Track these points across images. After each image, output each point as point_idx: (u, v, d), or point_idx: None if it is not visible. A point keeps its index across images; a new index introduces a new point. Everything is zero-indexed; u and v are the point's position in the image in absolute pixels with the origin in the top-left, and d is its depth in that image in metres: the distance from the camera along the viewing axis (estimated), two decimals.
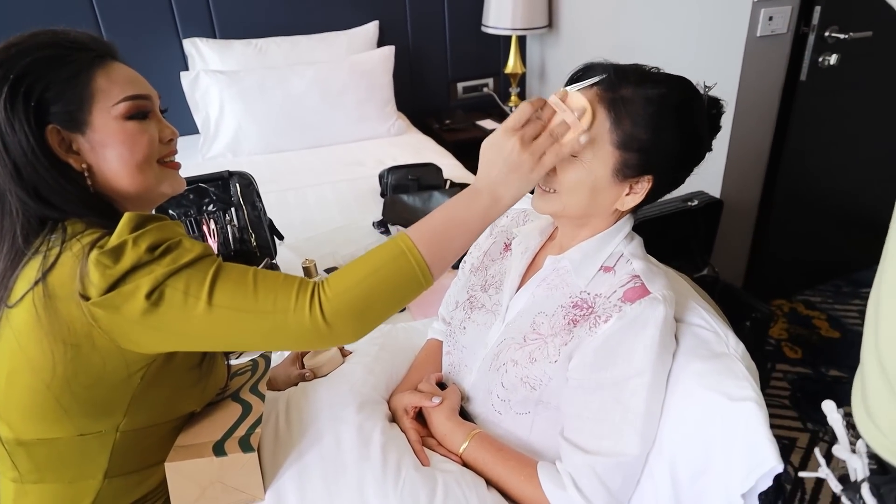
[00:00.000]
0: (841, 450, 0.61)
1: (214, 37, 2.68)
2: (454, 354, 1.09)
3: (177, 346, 0.78)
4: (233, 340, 0.76)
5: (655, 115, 0.85)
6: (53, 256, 0.74)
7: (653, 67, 0.91)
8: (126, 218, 0.75)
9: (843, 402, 0.64)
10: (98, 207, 0.81)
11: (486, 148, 0.83)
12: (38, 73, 0.75)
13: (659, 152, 0.87)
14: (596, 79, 0.87)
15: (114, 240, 0.73)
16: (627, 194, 0.90)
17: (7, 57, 0.75)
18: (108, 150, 0.80)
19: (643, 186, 0.89)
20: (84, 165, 0.80)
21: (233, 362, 1.11)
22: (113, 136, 0.79)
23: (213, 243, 1.60)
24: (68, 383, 0.75)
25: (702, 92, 0.92)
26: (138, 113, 0.81)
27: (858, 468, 0.60)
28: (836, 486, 0.61)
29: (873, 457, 0.59)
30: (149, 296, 0.71)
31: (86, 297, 0.71)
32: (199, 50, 2.62)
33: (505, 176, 0.81)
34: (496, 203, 0.82)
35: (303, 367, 1.16)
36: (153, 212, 0.88)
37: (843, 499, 0.61)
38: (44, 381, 0.74)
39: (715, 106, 0.93)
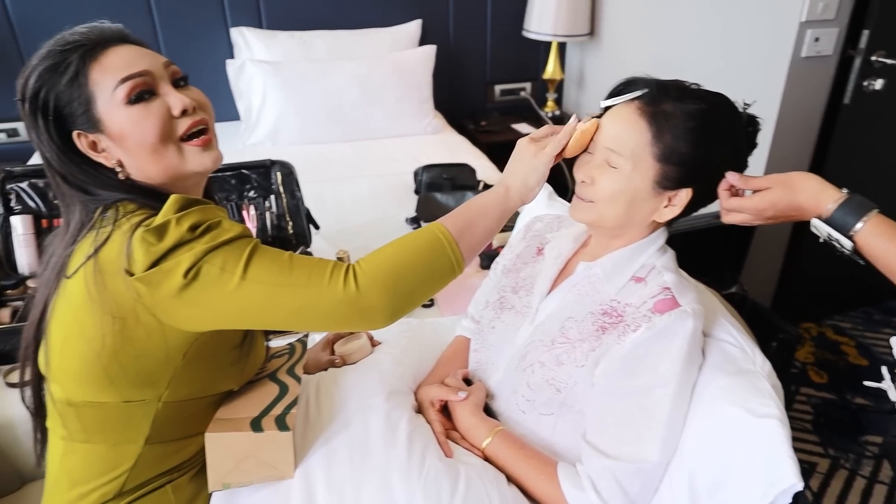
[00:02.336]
0: None
1: (261, 27, 2.75)
2: (481, 352, 1.11)
3: (213, 323, 0.79)
4: (267, 316, 0.77)
5: (696, 130, 0.87)
6: (105, 234, 0.78)
7: (693, 83, 0.92)
8: (172, 199, 0.78)
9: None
10: (143, 193, 0.83)
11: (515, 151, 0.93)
12: (46, 86, 0.78)
13: (699, 166, 0.88)
14: (637, 93, 0.89)
15: (158, 219, 0.76)
16: (666, 206, 0.92)
17: (24, 77, 0.79)
18: (125, 140, 0.80)
19: (682, 199, 0.91)
20: (114, 161, 0.82)
21: (271, 344, 1.15)
22: (122, 125, 0.79)
23: (252, 228, 1.65)
24: (116, 354, 0.79)
25: (741, 109, 0.93)
26: (140, 94, 0.80)
27: None
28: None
29: None
30: (187, 272, 0.73)
31: (130, 273, 0.74)
32: (245, 39, 2.68)
33: (513, 166, 0.92)
34: (507, 191, 0.90)
35: (333, 353, 1.19)
36: (200, 196, 0.92)
37: None
38: (94, 350, 0.79)
39: (752, 123, 0.95)
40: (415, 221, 1.91)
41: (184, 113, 0.82)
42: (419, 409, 1.05)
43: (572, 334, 0.96)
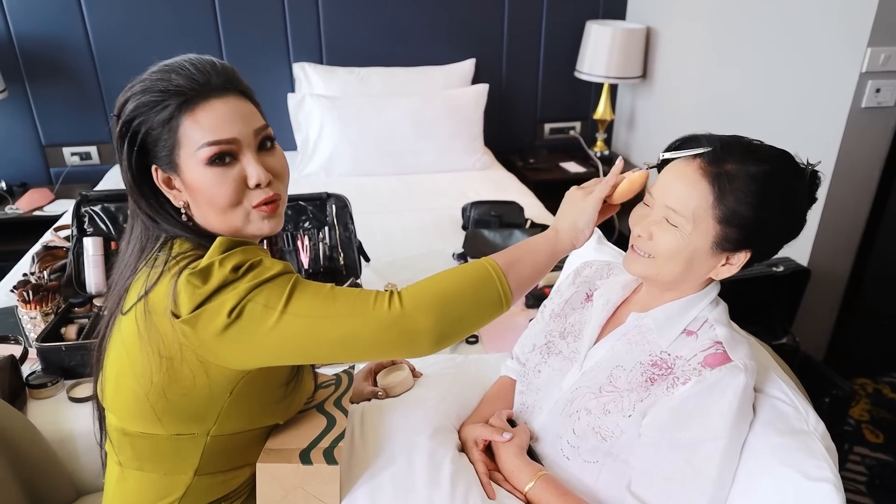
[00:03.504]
0: None
1: (321, 63, 2.86)
2: (527, 395, 1.11)
3: (259, 359, 0.80)
4: (311, 348, 0.78)
5: (759, 193, 0.86)
6: (157, 274, 0.81)
7: (756, 140, 0.92)
8: (217, 242, 0.80)
9: None
10: (202, 235, 0.85)
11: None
12: (140, 118, 0.80)
13: (760, 229, 0.88)
14: (700, 150, 0.89)
15: (203, 262, 0.78)
16: (723, 265, 0.92)
17: (123, 100, 0.82)
18: (197, 194, 0.82)
19: (740, 259, 0.91)
20: (182, 202, 0.85)
21: (319, 371, 1.17)
22: (198, 181, 0.81)
23: (304, 258, 1.70)
24: (163, 392, 0.81)
25: (803, 167, 0.92)
26: (220, 157, 0.80)
27: None
28: None
29: None
30: (231, 311, 0.75)
31: (176, 315, 0.76)
32: (306, 74, 2.80)
33: (563, 210, 0.96)
34: (557, 234, 0.93)
35: (375, 383, 1.21)
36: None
37: None
38: (143, 387, 0.82)
39: (814, 179, 0.94)
40: (462, 257, 1.93)
41: (257, 185, 0.82)
42: (462, 448, 1.06)
43: (620, 383, 0.96)
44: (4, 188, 2.67)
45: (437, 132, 2.75)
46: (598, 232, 1.45)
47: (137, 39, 2.60)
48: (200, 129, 0.79)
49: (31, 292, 1.48)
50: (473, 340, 1.56)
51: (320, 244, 1.70)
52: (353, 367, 1.21)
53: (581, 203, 0.93)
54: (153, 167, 0.84)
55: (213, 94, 0.81)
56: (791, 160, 0.91)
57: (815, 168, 0.92)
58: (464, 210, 2.22)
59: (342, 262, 1.70)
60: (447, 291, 0.81)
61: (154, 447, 0.87)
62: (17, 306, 1.55)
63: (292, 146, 2.80)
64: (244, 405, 0.87)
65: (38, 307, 1.48)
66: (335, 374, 1.13)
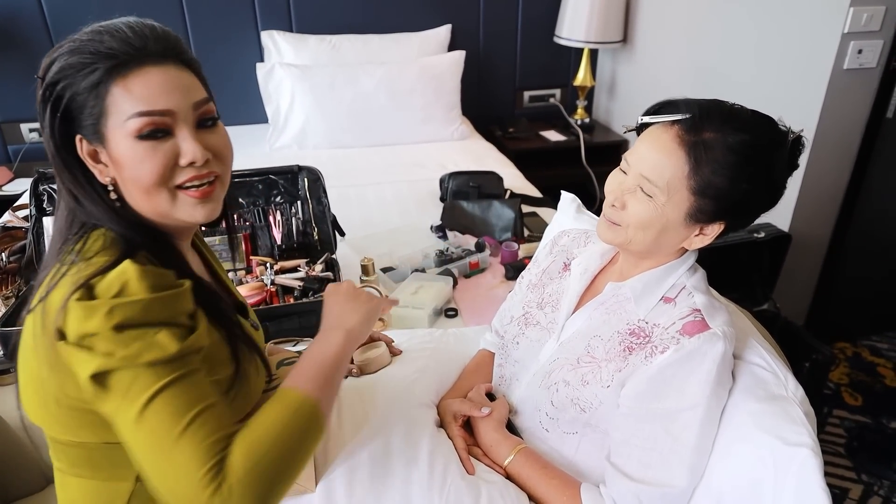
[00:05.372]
0: None
1: (291, 31, 2.77)
2: (505, 367, 1.09)
3: (103, 431, 0.72)
4: (137, 457, 0.68)
5: (736, 165, 0.83)
6: (60, 274, 0.71)
7: (736, 105, 0.89)
8: (123, 268, 0.68)
9: None
10: (127, 221, 0.76)
11: (328, 296, 0.90)
12: (64, 81, 0.71)
13: (736, 201, 0.85)
14: (678, 116, 0.86)
15: (101, 290, 0.67)
16: (696, 235, 0.90)
17: (49, 61, 0.73)
18: (122, 170, 0.74)
19: (714, 230, 0.89)
20: (108, 178, 0.75)
21: (289, 347, 1.14)
22: (124, 155, 0.72)
23: (277, 234, 1.65)
24: (58, 403, 0.73)
25: (785, 132, 0.88)
26: (153, 131, 0.72)
27: None
28: None
29: None
30: (95, 375, 0.66)
31: (62, 335, 0.67)
32: (275, 42, 2.70)
33: (342, 308, 0.87)
34: (347, 335, 0.82)
35: (351, 361, 1.18)
36: (189, 239, 0.86)
37: None
38: (47, 395, 0.74)
39: (797, 145, 0.90)
40: (440, 230, 1.89)
41: (190, 164, 0.74)
42: (440, 423, 1.04)
43: (598, 353, 0.94)
44: None
45: (413, 102, 2.68)
46: (576, 200, 1.42)
47: (94, 8, 2.45)
48: (131, 98, 0.71)
49: None
50: (452, 314, 1.53)
51: (293, 219, 1.65)
52: None
53: (368, 304, 0.87)
54: (77, 137, 0.74)
55: (150, 60, 0.72)
56: (773, 127, 0.87)
57: (800, 134, 0.89)
58: (441, 181, 2.17)
59: (316, 238, 1.66)
60: (280, 479, 0.68)
61: (86, 454, 0.78)
62: None
63: (263, 118, 2.72)
64: None
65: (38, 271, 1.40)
66: (298, 352, 1.10)
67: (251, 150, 2.53)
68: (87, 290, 0.67)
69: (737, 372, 0.93)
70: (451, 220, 1.92)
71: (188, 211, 0.76)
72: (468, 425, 1.04)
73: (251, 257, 1.62)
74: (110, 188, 0.76)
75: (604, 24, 2.79)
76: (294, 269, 1.57)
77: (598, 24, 2.79)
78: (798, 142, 0.89)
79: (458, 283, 1.64)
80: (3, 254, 1.53)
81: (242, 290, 1.46)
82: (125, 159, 0.72)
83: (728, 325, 0.89)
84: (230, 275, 1.52)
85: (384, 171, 2.44)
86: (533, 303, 1.10)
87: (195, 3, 2.62)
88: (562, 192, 1.47)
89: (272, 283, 1.51)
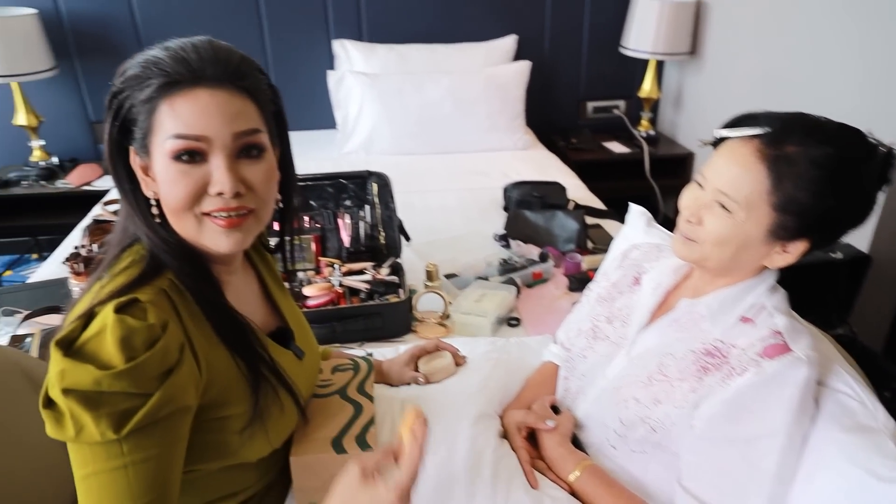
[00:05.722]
0: None
1: (362, 40, 2.83)
2: (571, 381, 1.08)
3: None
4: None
5: (821, 180, 0.80)
6: (89, 287, 0.73)
7: (822, 118, 0.85)
8: (110, 325, 0.65)
9: None
10: (162, 239, 0.75)
11: (341, 478, 0.71)
12: (127, 92, 0.73)
13: (821, 218, 0.82)
14: (758, 131, 0.83)
15: (79, 341, 0.65)
16: (778, 253, 0.86)
17: (122, 69, 0.74)
18: (158, 187, 0.74)
19: (798, 248, 0.85)
20: (151, 193, 0.76)
21: (352, 351, 1.14)
22: (160, 173, 0.73)
23: (345, 236, 1.69)
24: None
25: (876, 144, 0.84)
26: (186, 154, 0.71)
27: None
28: None
29: None
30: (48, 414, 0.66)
31: (57, 346, 0.66)
32: (346, 51, 2.78)
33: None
34: None
35: (416, 369, 1.19)
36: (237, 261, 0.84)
37: None
38: None
39: (890, 160, 0.86)
40: (503, 238, 1.90)
41: (218, 194, 0.72)
42: (504, 434, 1.04)
43: (671, 372, 0.92)
44: (56, 163, 2.73)
45: (477, 111, 2.70)
46: (646, 214, 1.39)
47: (182, 17, 2.60)
48: (174, 119, 0.70)
49: (81, 264, 1.51)
50: (515, 323, 1.53)
51: (361, 223, 1.69)
52: (371, 354, 1.18)
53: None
54: (131, 149, 0.75)
55: (203, 83, 0.71)
56: (861, 140, 0.83)
57: (891, 147, 0.85)
58: (505, 190, 2.18)
59: (382, 242, 1.69)
60: None
61: None
62: (68, 278, 1.59)
63: (331, 124, 2.79)
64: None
65: (88, 279, 1.50)
66: (352, 360, 1.11)
67: (319, 154, 2.60)
68: (68, 334, 0.66)
69: (821, 399, 0.89)
70: (514, 230, 1.92)
71: (213, 238, 0.75)
72: (532, 438, 1.03)
73: (319, 258, 1.66)
74: (153, 203, 0.76)
75: (672, 34, 2.74)
76: (360, 272, 1.60)
77: (665, 35, 2.74)
78: (890, 156, 0.85)
79: (521, 292, 1.64)
80: (94, 245, 1.63)
81: (311, 290, 1.50)
82: (160, 178, 0.73)
83: (812, 350, 0.85)
84: (299, 274, 1.57)
85: (448, 178, 2.46)
86: (602, 316, 1.09)
87: (273, 13, 2.72)
88: (630, 204, 1.45)
89: (340, 284, 1.54)
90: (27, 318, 1.49)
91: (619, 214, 2.12)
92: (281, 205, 0.86)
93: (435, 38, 2.87)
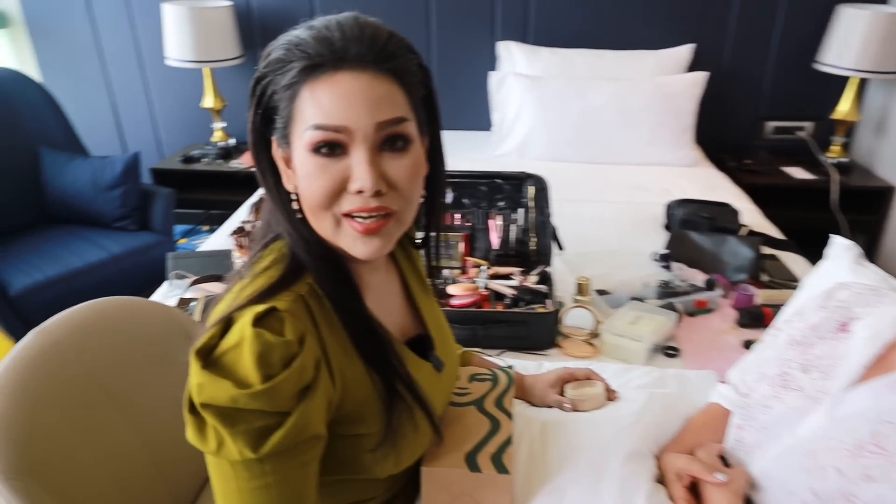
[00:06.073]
0: None
1: (526, 41, 2.78)
2: (746, 431, 0.93)
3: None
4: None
5: None
6: (229, 287, 0.70)
7: None
8: (248, 338, 0.61)
9: None
10: (301, 235, 0.70)
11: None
12: (270, 77, 0.67)
13: None
14: None
15: (216, 353, 0.62)
16: None
17: (267, 52, 0.68)
18: (298, 181, 0.68)
19: None
20: (292, 186, 0.70)
21: (492, 358, 1.06)
22: (299, 166, 0.67)
23: (494, 238, 1.63)
24: None
25: None
26: (326, 146, 0.65)
27: None
28: None
29: None
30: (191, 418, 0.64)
31: (196, 353, 0.63)
32: (510, 52, 2.74)
33: None
34: None
35: (562, 393, 1.10)
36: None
37: None
38: None
39: None
40: (664, 259, 1.74)
41: (358, 192, 0.66)
42: (661, 479, 0.92)
43: (889, 445, 0.75)
44: (233, 144, 2.98)
45: (642, 121, 2.53)
46: (856, 248, 1.18)
47: (357, 10, 2.71)
48: (314, 106, 0.64)
49: (245, 238, 1.59)
50: (673, 353, 1.38)
51: (512, 225, 1.62)
52: (511, 367, 1.10)
53: None
54: (274, 139, 0.70)
55: (347, 65, 0.64)
56: None
57: None
58: (668, 208, 2.01)
59: (533, 248, 1.61)
60: None
61: None
62: (232, 250, 1.68)
63: (486, 125, 2.76)
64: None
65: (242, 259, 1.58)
66: (491, 371, 1.04)
67: (472, 155, 2.57)
68: (207, 342, 0.63)
69: None
70: (677, 251, 1.75)
71: (349, 243, 0.69)
72: (694, 488, 0.90)
73: (466, 258, 1.61)
74: (293, 197, 0.70)
75: (881, 50, 2.40)
76: (507, 277, 1.53)
77: (874, 51, 2.40)
78: None
79: (682, 320, 1.48)
80: (258, 222, 1.71)
81: (455, 290, 1.46)
82: (299, 171, 0.67)
83: None
84: (444, 272, 1.53)
85: (604, 189, 2.33)
86: (794, 363, 0.93)
87: (442, 11, 2.75)
88: (832, 236, 1.24)
89: (485, 287, 1.49)
90: (194, 283, 1.59)
91: (802, 247, 1.87)
92: (422, 199, 0.77)
93: (603, 43, 2.74)
